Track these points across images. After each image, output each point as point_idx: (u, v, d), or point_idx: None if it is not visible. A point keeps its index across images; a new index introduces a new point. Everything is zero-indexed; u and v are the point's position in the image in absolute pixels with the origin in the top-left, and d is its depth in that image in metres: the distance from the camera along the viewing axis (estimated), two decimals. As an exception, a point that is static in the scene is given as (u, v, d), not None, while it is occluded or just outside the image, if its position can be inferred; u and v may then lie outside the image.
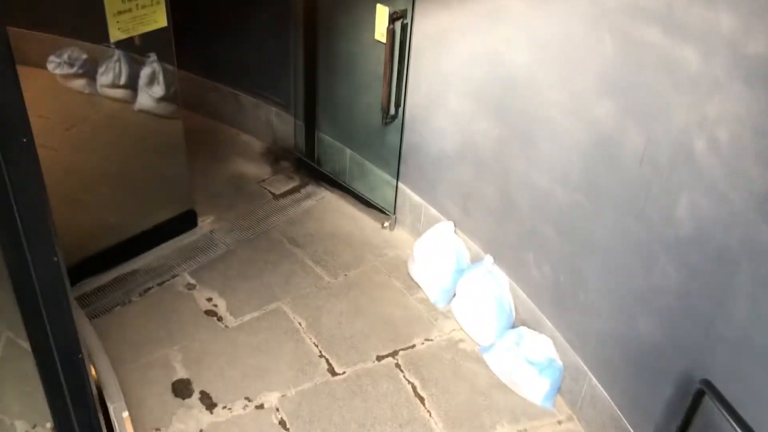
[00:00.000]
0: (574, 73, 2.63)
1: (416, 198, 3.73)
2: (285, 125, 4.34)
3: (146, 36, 3.27)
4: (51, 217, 1.36)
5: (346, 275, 3.60)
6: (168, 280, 3.49)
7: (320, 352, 3.18)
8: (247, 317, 3.33)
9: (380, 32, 3.41)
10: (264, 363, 3.10)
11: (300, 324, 3.31)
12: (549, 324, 3.09)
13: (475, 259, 3.44)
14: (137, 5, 3.08)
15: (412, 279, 3.59)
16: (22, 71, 3.16)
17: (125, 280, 3.48)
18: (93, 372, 2.64)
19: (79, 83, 3.74)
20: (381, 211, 3.93)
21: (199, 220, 3.86)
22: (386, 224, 3.91)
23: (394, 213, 3.89)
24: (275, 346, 3.18)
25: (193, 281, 3.50)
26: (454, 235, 3.47)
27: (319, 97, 4.04)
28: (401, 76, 3.46)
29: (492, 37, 2.95)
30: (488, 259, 3.26)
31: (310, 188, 4.20)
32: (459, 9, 3.06)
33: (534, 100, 2.84)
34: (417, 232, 3.78)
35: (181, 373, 3.04)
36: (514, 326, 3.24)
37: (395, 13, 3.31)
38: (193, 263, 3.60)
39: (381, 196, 3.92)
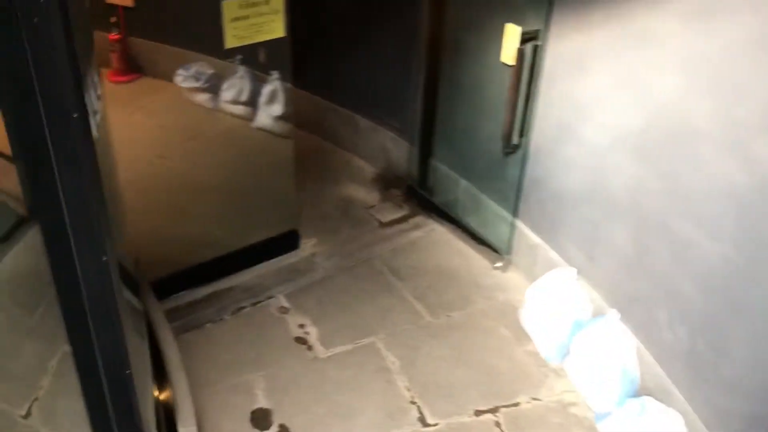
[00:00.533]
0: (733, 104, 2.22)
1: (534, 238, 3.37)
2: (399, 151, 4.12)
3: (270, 53, 3.19)
4: (105, 209, 1.17)
5: (448, 316, 3.29)
6: (262, 301, 3.32)
7: (412, 397, 2.87)
8: (339, 349, 3.08)
9: (508, 54, 3.13)
10: (350, 401, 2.84)
11: (393, 363, 3.02)
12: (680, 397, 2.62)
13: (598, 313, 3.03)
14: (255, 12, 2.98)
15: (523, 328, 3.22)
16: (152, 83, 3.12)
17: (220, 296, 3.34)
18: (168, 392, 2.47)
19: (203, 97, 3.74)
20: (494, 249, 3.60)
21: (302, 242, 3.69)
22: (498, 264, 3.57)
23: (509, 253, 3.55)
24: (364, 385, 2.91)
25: (287, 305, 3.31)
26: (575, 283, 3.08)
27: (437, 122, 3.80)
28: (528, 103, 3.16)
29: (638, 60, 2.60)
30: (613, 314, 2.85)
31: (419, 219, 3.94)
32: (601, 30, 2.72)
33: (682, 133, 2.45)
34: (532, 276, 3.41)
35: (263, 402, 2.82)
36: (637, 395, 2.79)
37: (527, 33, 3.02)
38: (289, 286, 3.42)
39: (495, 233, 3.60)
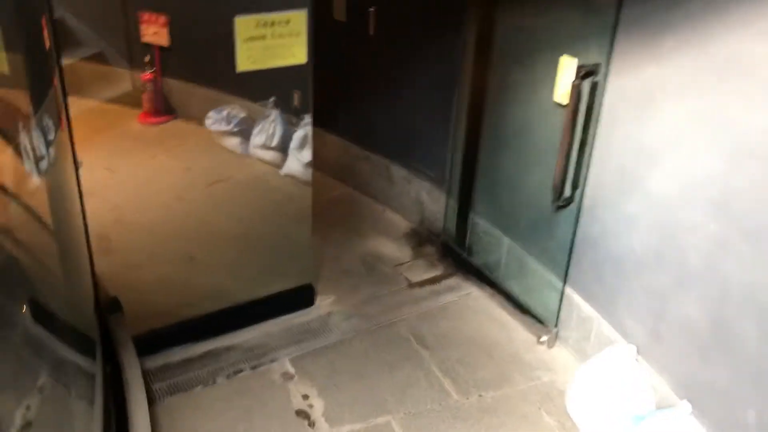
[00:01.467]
0: None
1: (587, 309, 2.85)
2: (435, 205, 3.69)
3: (302, 97, 2.90)
4: None
5: (481, 396, 2.76)
6: (264, 365, 2.87)
7: (429, 495, 2.34)
8: (345, 428, 2.59)
9: (562, 92, 2.70)
10: (353, 495, 2.33)
11: (410, 450, 2.51)
12: None
13: (663, 404, 2.46)
14: (273, 33, 2.64)
15: (570, 417, 2.67)
16: (184, 126, 2.92)
17: (218, 355, 2.90)
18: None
19: (233, 142, 3.55)
20: (539, 320, 3.08)
21: (318, 298, 3.25)
22: (544, 338, 3.04)
23: (556, 325, 3.02)
24: (372, 475, 2.40)
25: (292, 370, 2.84)
26: (635, 365, 2.54)
27: (479, 172, 3.37)
28: (584, 148, 2.70)
29: (720, 93, 2.13)
30: (684, 406, 2.29)
31: (453, 280, 3.46)
32: (674, 59, 2.28)
33: (780, 182, 1.95)
34: (583, 355, 2.87)
35: (247, 488, 2.34)
36: None
37: (584, 67, 2.59)
38: (298, 348, 2.96)
39: (541, 301, 3.09)
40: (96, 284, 2.60)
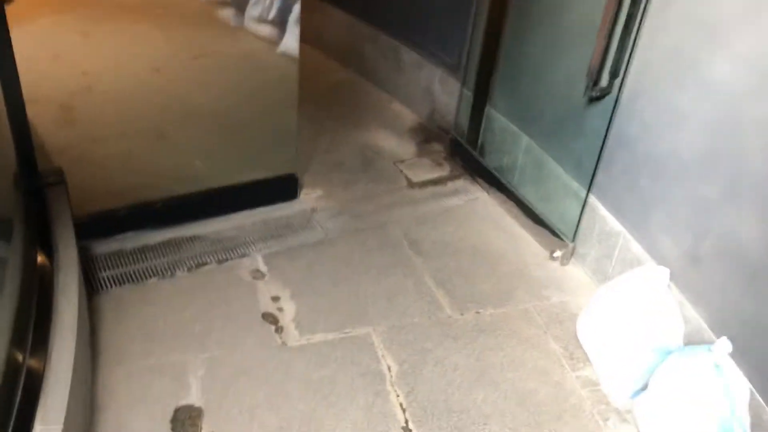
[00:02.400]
0: None
1: (613, 222, 2.42)
2: (447, 96, 3.21)
3: None
4: None
5: (478, 313, 2.38)
6: (233, 259, 2.49)
7: (406, 422, 1.99)
8: (318, 337, 2.23)
9: (611, -48, 2.17)
10: (318, 415, 1.98)
11: (389, 368, 2.14)
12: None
13: (695, 339, 2.07)
14: None
15: (580, 344, 2.29)
16: None
17: (181, 245, 2.53)
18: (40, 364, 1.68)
19: (226, 12, 3.16)
20: (554, 233, 2.66)
21: (303, 192, 2.85)
22: (557, 254, 2.63)
23: (573, 240, 2.60)
24: (342, 393, 2.05)
25: (264, 268, 2.47)
26: (665, 290, 2.13)
27: (500, 57, 2.86)
28: (630, 25, 2.19)
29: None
30: (722, 344, 1.88)
31: (460, 183, 3.02)
32: None
33: None
34: (603, 276, 2.47)
35: (195, 398, 2.00)
36: (743, 469, 1.84)
37: None
38: (273, 244, 2.58)
39: (559, 210, 2.66)
40: (32, 155, 2.19)
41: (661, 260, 2.21)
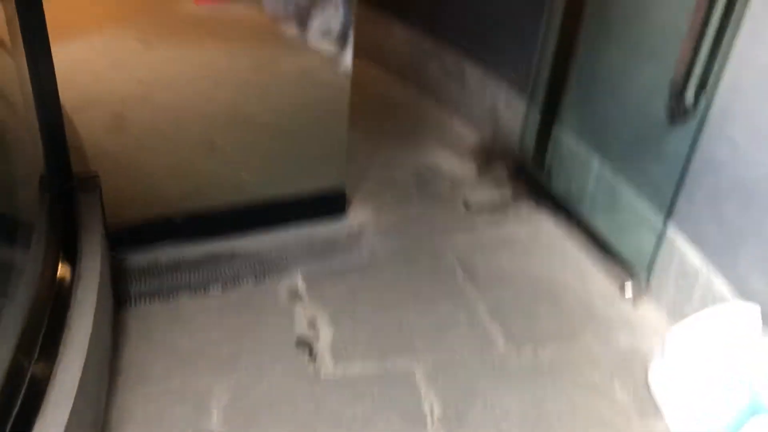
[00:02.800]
0: None
1: (694, 256, 2.13)
2: (513, 115, 2.98)
3: None
4: None
5: (536, 352, 2.13)
6: (270, 278, 2.33)
7: (446, 472, 1.76)
8: (354, 369, 2.02)
9: (702, -49, 1.93)
10: (347, 457, 1.77)
11: (432, 410, 1.91)
12: None
13: (792, 398, 1.76)
14: None
15: (652, 394, 2.00)
16: (239, 9, 2.58)
17: (218, 260, 2.38)
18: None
19: (289, 27, 3.08)
20: (626, 267, 2.38)
21: (352, 209, 2.67)
22: (629, 289, 2.35)
23: (648, 276, 2.32)
24: (377, 434, 1.83)
25: (303, 290, 2.29)
26: (758, 333, 1.83)
27: (572, 73, 2.63)
28: (722, 34, 1.93)
29: None
30: (829, 406, 1.57)
31: (523, 208, 2.78)
32: None
33: None
34: (681, 317, 2.17)
35: (215, 427, 1.82)
36: None
37: None
38: (315, 264, 2.40)
39: (632, 242, 2.38)
40: (65, 157, 2.10)
41: (751, 297, 1.91)
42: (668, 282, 2.24)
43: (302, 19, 3.11)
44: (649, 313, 2.30)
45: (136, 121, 2.38)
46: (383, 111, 3.38)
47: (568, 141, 2.68)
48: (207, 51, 2.69)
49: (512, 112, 2.99)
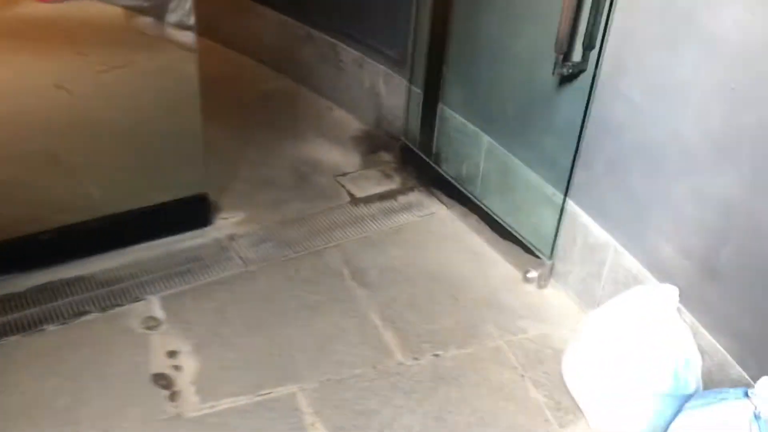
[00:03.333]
0: None
1: (599, 232, 1.93)
2: (395, 96, 2.72)
3: None
4: None
5: (437, 356, 1.87)
6: (121, 305, 1.96)
7: None
8: (224, 404, 1.69)
9: None
10: None
11: (319, 441, 1.61)
12: None
13: (718, 377, 1.57)
14: None
15: (567, 390, 1.78)
16: (88, 5, 2.31)
17: (57, 290, 1.99)
18: None
19: (146, 21, 2.76)
20: (527, 249, 2.16)
21: (219, 216, 2.32)
22: (533, 274, 2.13)
23: (551, 256, 2.11)
24: (253, 482, 1.51)
25: (161, 314, 1.93)
26: (675, 315, 1.63)
27: (451, 43, 2.39)
28: (606, -20, 1.73)
29: None
30: (763, 385, 1.38)
31: (413, 196, 2.52)
32: None
33: None
34: (591, 299, 1.97)
35: (48, 501, 1.45)
36: None
37: None
38: (176, 283, 2.04)
39: (531, 222, 2.16)
40: None
41: (664, 277, 1.72)
42: (574, 262, 2.04)
43: (159, 10, 2.86)
44: (557, 298, 2.09)
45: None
46: (256, 104, 3.04)
47: (453, 119, 2.44)
48: (51, 52, 2.42)
49: (394, 94, 2.73)
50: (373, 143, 2.81)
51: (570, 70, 1.86)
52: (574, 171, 1.96)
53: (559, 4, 1.81)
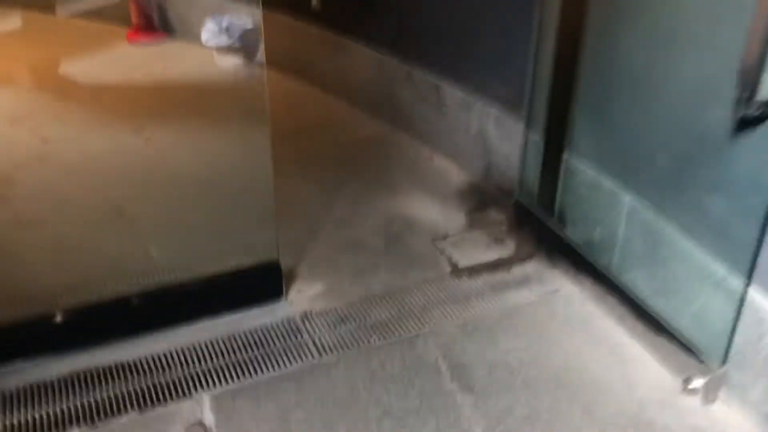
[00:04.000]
0: None
1: (801, 336, 1.37)
2: (508, 142, 2.27)
3: None
4: None
5: (567, 503, 1.36)
6: (164, 403, 1.58)
7: None
8: None
9: None
10: None
11: None
12: None
13: None
14: None
15: None
16: (179, 47, 2.61)
17: (93, 379, 1.64)
18: None
19: (234, 60, 2.71)
20: (687, 348, 1.62)
21: (295, 286, 1.93)
22: (696, 383, 1.58)
23: (724, 361, 1.56)
24: None
25: (209, 419, 1.54)
26: None
27: (580, 80, 1.91)
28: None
29: None
30: None
31: (531, 267, 2.04)
32: None
33: None
34: (787, 429, 1.41)
35: None
36: None
37: None
38: (232, 376, 1.65)
39: (693, 311, 1.62)
40: None
41: None
42: (758, 372, 1.48)
43: (250, 49, 2.68)
44: (731, 421, 1.53)
45: (26, 188, 2.09)
46: (347, 152, 2.69)
47: (583, 172, 1.94)
48: (131, 95, 2.41)
49: (506, 140, 2.28)
50: (481, 199, 2.35)
51: (760, 112, 1.34)
52: (761, 247, 1.42)
53: (741, 22, 1.31)
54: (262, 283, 1.85)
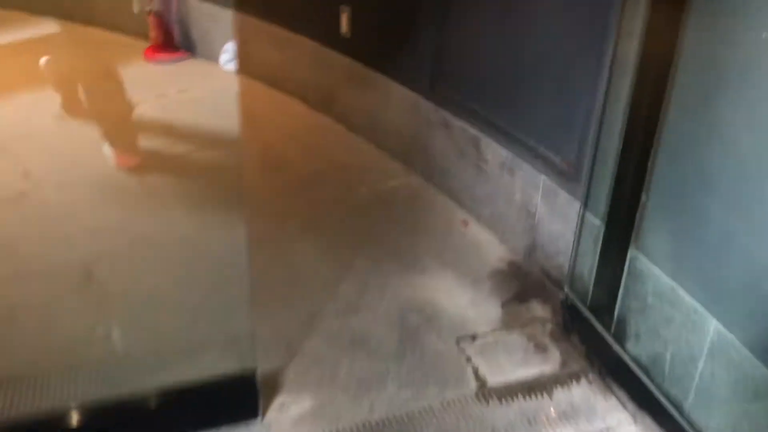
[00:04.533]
0: None
1: None
2: (559, 220, 1.84)
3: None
4: None
5: None
6: None
7: None
8: None
9: None
10: None
11: None
12: None
13: None
14: None
15: None
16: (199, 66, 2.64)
17: None
18: None
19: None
20: None
21: (277, 400, 1.54)
22: None
23: None
24: None
25: None
26: None
27: (661, 154, 1.47)
28: None
29: None
30: None
31: (579, 391, 1.60)
32: None
33: None
34: None
35: None
36: None
37: None
38: None
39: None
40: None
41: None
42: None
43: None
44: None
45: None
46: (367, 209, 2.29)
47: (654, 278, 1.50)
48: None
49: (558, 217, 1.85)
50: (522, 285, 1.92)
51: None
52: None
53: None
54: (234, 396, 1.47)
